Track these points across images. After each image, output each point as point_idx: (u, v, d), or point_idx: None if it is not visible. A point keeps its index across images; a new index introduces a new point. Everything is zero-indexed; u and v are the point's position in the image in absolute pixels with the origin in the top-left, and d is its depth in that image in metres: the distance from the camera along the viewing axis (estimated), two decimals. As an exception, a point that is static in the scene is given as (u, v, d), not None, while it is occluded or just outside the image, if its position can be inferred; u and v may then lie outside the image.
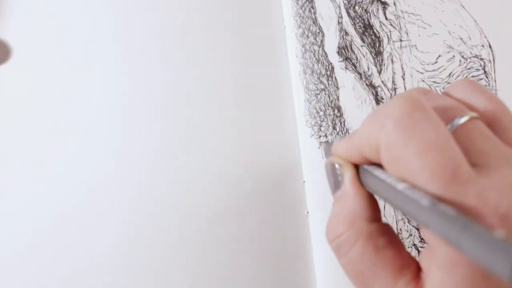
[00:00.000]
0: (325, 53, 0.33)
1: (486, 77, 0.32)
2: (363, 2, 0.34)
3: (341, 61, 0.33)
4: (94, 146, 0.32)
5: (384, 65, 0.33)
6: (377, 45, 0.33)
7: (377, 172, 0.19)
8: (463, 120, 0.18)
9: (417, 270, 0.19)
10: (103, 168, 0.32)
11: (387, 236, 0.20)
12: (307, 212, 0.32)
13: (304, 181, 0.32)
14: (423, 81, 0.33)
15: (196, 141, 0.33)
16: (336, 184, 0.21)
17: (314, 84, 0.33)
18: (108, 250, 0.30)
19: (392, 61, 0.33)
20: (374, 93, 0.33)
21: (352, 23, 0.34)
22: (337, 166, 0.21)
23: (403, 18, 0.34)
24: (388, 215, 0.32)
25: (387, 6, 0.34)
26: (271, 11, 0.35)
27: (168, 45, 0.34)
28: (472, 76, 0.32)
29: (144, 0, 0.35)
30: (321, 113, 0.33)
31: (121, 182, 0.32)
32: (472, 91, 0.20)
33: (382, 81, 0.33)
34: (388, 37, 0.33)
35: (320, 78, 0.33)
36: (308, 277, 0.31)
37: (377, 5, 0.34)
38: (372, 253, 0.19)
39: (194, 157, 0.32)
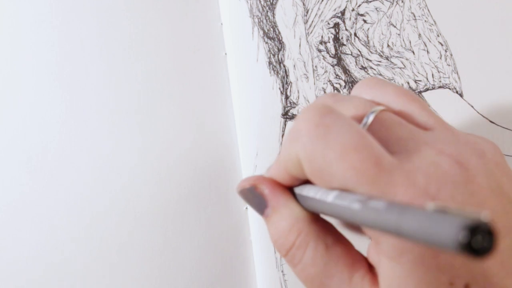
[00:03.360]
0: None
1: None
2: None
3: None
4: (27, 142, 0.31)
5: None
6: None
7: (306, 189, 0.19)
8: (373, 114, 0.19)
9: (369, 264, 0.19)
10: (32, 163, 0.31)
11: (334, 235, 0.19)
12: (246, 208, 0.32)
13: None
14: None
15: (134, 135, 0.32)
16: (260, 204, 0.21)
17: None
18: (41, 251, 0.30)
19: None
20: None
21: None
22: (247, 187, 0.21)
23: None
24: (304, 52, 0.33)
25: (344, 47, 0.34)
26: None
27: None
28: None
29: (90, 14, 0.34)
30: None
31: (44, 180, 0.31)
32: (376, 87, 0.21)
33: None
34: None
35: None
36: (248, 275, 0.31)
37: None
38: (323, 252, 0.19)
39: (132, 150, 0.32)
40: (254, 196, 0.21)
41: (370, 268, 0.18)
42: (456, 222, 0.11)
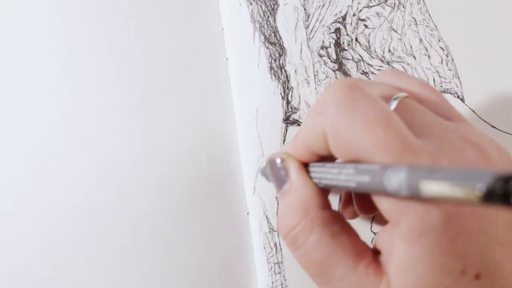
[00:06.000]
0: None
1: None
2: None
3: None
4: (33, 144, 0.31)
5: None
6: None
7: (326, 165, 0.19)
8: (397, 100, 0.19)
9: (374, 254, 0.19)
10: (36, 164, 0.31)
11: (341, 223, 0.19)
12: (247, 213, 0.32)
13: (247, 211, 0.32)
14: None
15: (136, 139, 0.32)
16: (280, 180, 0.21)
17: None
18: (43, 252, 0.30)
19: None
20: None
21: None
22: (278, 161, 0.21)
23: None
24: (305, 57, 0.33)
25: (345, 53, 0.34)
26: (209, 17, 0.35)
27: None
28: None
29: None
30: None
31: (46, 181, 0.31)
32: (399, 78, 0.21)
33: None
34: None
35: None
36: (249, 278, 0.31)
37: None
38: (329, 240, 0.19)
39: (132, 153, 0.32)
40: (279, 169, 0.21)
41: (375, 258, 0.18)
42: (488, 173, 0.11)
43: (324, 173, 0.19)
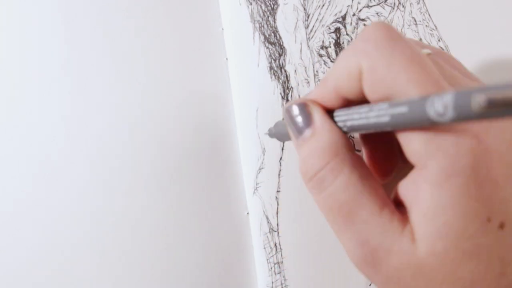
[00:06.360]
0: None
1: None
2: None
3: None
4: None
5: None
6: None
7: (353, 107, 0.19)
8: (427, 51, 0.19)
9: (396, 205, 0.18)
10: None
11: (366, 168, 0.19)
12: (247, 213, 0.32)
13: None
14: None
15: (136, 139, 0.32)
16: (300, 127, 0.20)
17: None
18: (43, 252, 0.30)
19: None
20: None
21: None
22: (296, 108, 0.21)
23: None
24: (305, 57, 0.33)
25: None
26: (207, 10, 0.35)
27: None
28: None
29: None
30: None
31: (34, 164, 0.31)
32: (423, 45, 0.22)
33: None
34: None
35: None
36: (249, 276, 0.31)
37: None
38: (358, 181, 0.18)
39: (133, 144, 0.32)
40: (301, 113, 0.21)
41: (397, 208, 0.18)
42: None
43: (350, 115, 0.19)
